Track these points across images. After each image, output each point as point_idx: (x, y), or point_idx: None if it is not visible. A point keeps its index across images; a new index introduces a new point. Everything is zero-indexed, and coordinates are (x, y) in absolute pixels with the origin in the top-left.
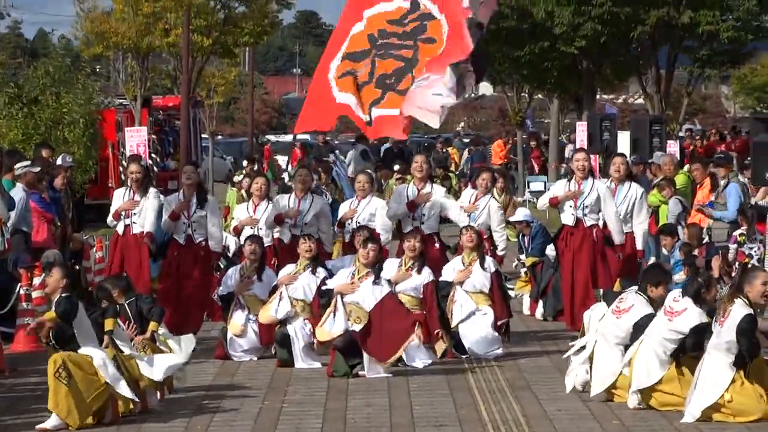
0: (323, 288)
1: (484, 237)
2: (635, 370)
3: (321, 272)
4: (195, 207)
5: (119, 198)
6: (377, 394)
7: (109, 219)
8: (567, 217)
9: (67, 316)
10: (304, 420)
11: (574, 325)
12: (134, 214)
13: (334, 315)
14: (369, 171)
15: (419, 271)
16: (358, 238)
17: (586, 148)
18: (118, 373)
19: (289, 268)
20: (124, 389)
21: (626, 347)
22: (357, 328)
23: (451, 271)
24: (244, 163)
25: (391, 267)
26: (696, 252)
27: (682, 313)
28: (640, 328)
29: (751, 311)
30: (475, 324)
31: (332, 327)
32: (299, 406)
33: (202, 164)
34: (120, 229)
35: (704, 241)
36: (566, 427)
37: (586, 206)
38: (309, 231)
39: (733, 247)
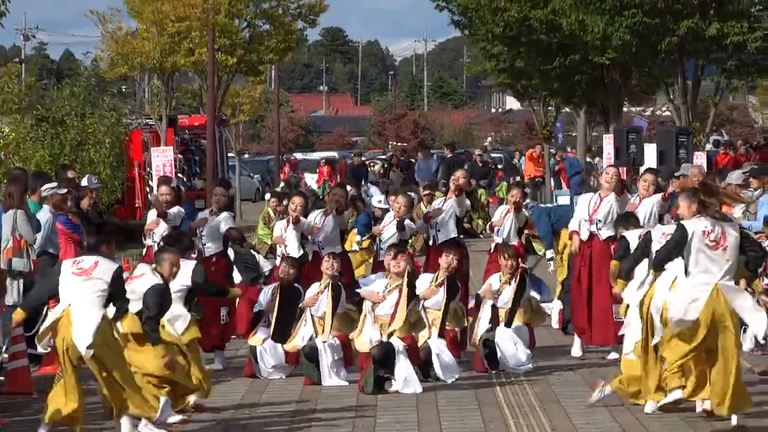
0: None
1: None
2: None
3: (341, 290)
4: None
5: (150, 218)
6: (406, 410)
7: (143, 239)
8: (583, 233)
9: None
10: None
11: (592, 341)
12: (154, 233)
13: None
14: (410, 194)
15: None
16: (389, 255)
17: (613, 161)
18: None
19: (313, 289)
20: None
21: None
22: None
23: (488, 288)
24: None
25: (423, 282)
26: None
27: None
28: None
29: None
30: (511, 338)
31: (365, 337)
32: (328, 424)
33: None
34: (145, 250)
35: None
36: None
37: (600, 220)
38: (330, 249)
39: None
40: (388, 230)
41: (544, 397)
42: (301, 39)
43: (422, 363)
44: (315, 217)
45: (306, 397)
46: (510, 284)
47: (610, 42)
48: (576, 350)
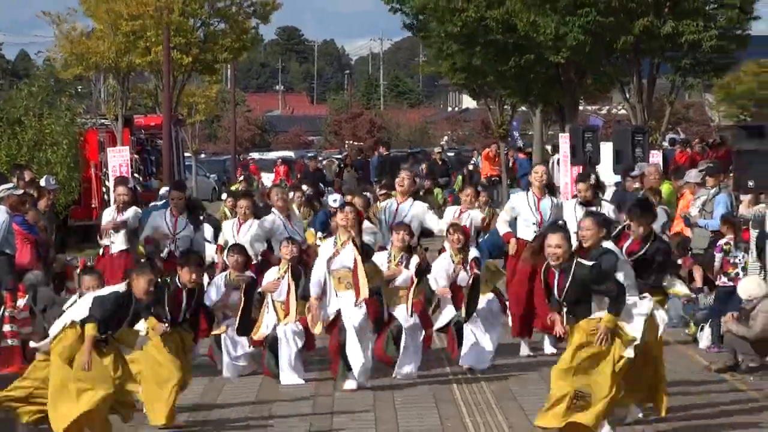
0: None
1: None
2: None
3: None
4: (186, 226)
5: (106, 217)
6: (363, 409)
7: (99, 239)
8: (526, 232)
9: None
10: None
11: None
12: (113, 233)
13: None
14: (366, 194)
15: (407, 265)
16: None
17: (569, 159)
18: None
19: (272, 274)
20: None
21: None
22: (347, 294)
23: (440, 267)
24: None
25: (379, 261)
26: (680, 261)
27: None
28: None
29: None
30: (482, 329)
31: (325, 312)
32: (284, 423)
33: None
34: (101, 250)
35: (690, 251)
36: None
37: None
38: None
39: (718, 256)
40: None
41: (501, 395)
42: (256, 39)
43: (386, 324)
44: (273, 220)
45: (262, 397)
46: (464, 268)
47: (564, 42)
48: (523, 350)
